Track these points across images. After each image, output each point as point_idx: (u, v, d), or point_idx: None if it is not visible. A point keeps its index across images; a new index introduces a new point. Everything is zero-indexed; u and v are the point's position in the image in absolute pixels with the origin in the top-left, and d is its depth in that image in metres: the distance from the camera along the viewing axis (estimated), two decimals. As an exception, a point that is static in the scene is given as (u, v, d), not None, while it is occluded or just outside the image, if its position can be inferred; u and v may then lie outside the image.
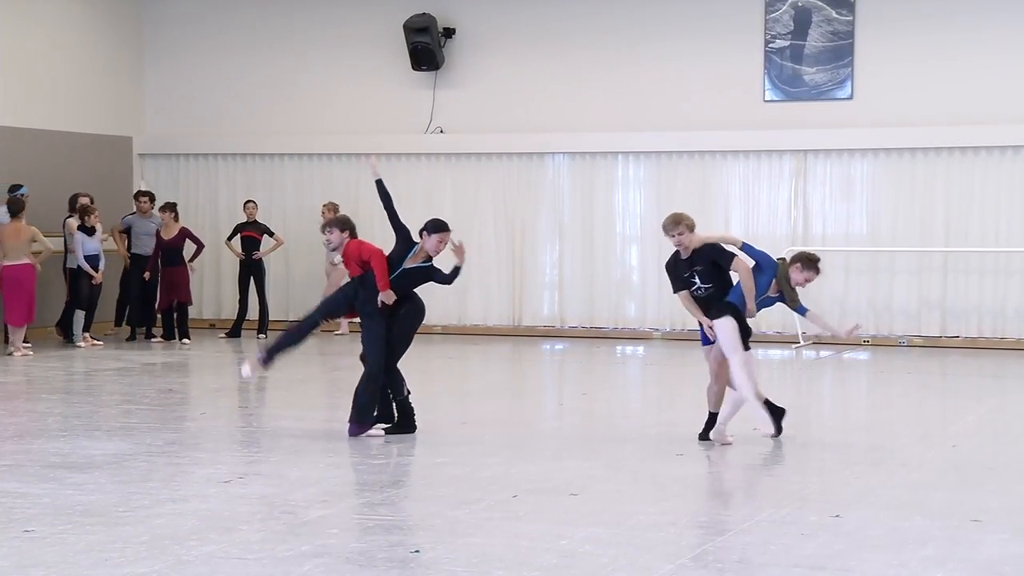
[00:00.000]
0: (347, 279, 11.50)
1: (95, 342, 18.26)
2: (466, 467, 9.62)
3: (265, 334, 19.76)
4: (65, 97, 20.15)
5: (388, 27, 20.47)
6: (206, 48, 21.41)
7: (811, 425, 10.92)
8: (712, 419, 10.72)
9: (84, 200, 18.36)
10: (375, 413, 10.90)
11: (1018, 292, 18.56)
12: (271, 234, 19.92)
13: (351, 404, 10.89)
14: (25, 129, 19.27)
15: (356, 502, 8.57)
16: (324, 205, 19.25)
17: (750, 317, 10.52)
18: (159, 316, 19.24)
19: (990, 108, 18.40)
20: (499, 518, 7.98)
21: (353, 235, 11.25)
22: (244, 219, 19.94)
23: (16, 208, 17.24)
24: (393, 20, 20.35)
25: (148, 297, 19.12)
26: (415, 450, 10.53)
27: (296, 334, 11.16)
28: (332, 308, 11.43)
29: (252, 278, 19.94)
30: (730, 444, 10.48)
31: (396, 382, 11.00)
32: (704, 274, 10.50)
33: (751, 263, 10.60)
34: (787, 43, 19.19)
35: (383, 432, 10.87)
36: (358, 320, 11.31)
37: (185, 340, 18.80)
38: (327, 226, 11.38)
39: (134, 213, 19.35)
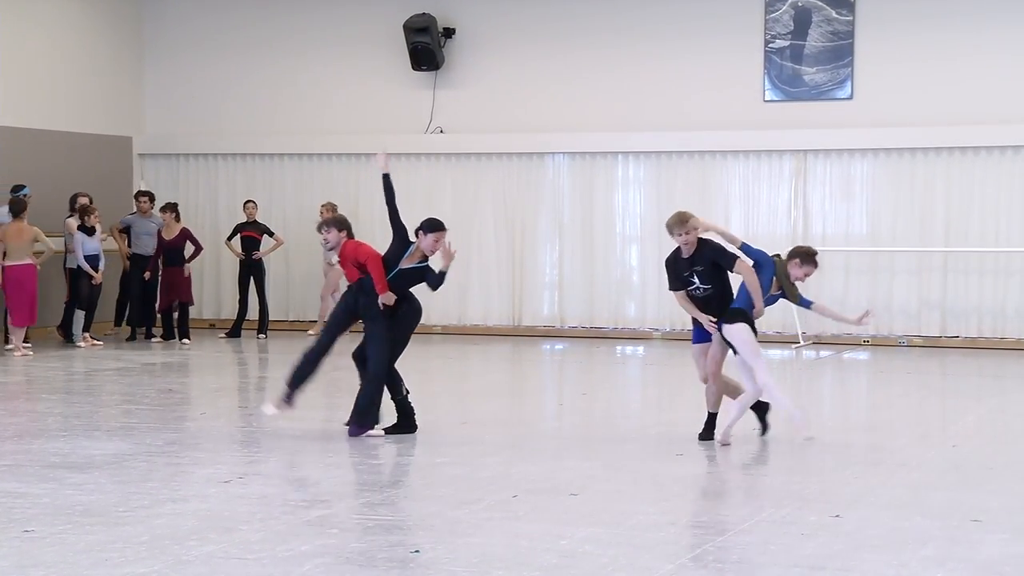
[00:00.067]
0: (344, 279, 11.47)
1: (95, 342, 18.26)
2: (466, 467, 9.63)
3: (265, 334, 19.77)
4: (65, 97, 20.15)
5: (388, 27, 20.47)
6: (206, 48, 21.41)
7: (811, 425, 10.91)
8: (712, 419, 10.73)
9: (84, 200, 18.37)
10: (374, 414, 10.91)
11: (1018, 292, 18.56)
12: (271, 234, 19.92)
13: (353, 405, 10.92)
14: (25, 129, 19.26)
15: (356, 502, 8.56)
16: (323, 205, 19.25)
17: (758, 317, 10.52)
18: (159, 316, 19.24)
19: (990, 108, 18.40)
20: (499, 518, 7.98)
21: (350, 235, 11.25)
22: (244, 219, 19.94)
23: (18, 209, 17.24)
24: (393, 20, 20.36)
25: (148, 297, 19.12)
26: (415, 450, 10.53)
27: (309, 363, 11.02)
28: (337, 326, 11.17)
29: (252, 278, 19.94)
30: (729, 444, 10.48)
31: (394, 382, 11.00)
32: (704, 274, 10.50)
33: (750, 263, 10.60)
34: (787, 43, 19.19)
35: (383, 432, 10.87)
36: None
37: (185, 340, 18.80)
38: (324, 225, 11.37)
39: (134, 213, 19.35)
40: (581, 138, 19.92)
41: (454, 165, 20.52)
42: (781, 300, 10.87)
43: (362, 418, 10.81)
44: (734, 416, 10.53)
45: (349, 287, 11.16)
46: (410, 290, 11.02)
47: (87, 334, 18.26)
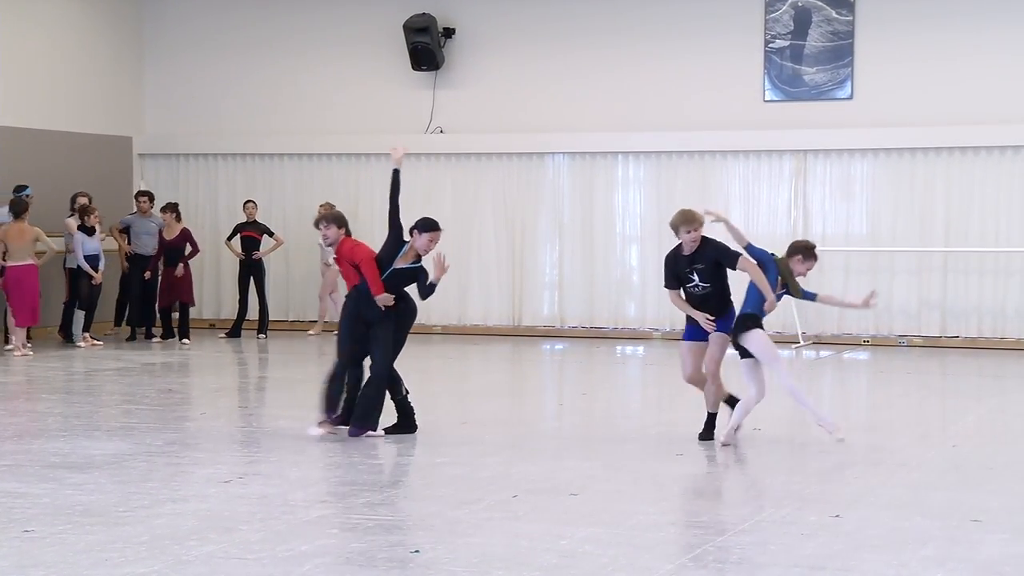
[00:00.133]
0: (341, 279, 11.42)
1: (95, 342, 18.25)
2: (466, 467, 9.63)
3: (265, 334, 19.77)
4: (65, 97, 20.15)
5: (388, 27, 20.47)
6: (206, 48, 21.41)
7: (811, 425, 10.92)
8: (712, 419, 10.74)
9: (83, 200, 18.37)
10: (373, 413, 10.90)
11: (1018, 292, 18.56)
12: (271, 234, 19.91)
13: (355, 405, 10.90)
14: (25, 129, 19.27)
15: (356, 502, 8.56)
16: (321, 206, 19.19)
17: (770, 311, 10.50)
18: (159, 315, 19.24)
19: (990, 108, 18.40)
20: (499, 518, 7.98)
21: (347, 233, 11.21)
22: (244, 219, 19.93)
23: (19, 209, 17.24)
24: (393, 20, 20.36)
25: (148, 297, 19.13)
26: (415, 450, 10.53)
27: (334, 383, 10.89)
28: (347, 339, 10.96)
29: (252, 278, 19.94)
30: (729, 445, 10.48)
31: (394, 382, 10.98)
32: (704, 273, 10.50)
33: (754, 261, 10.59)
34: (787, 43, 19.19)
35: (383, 433, 10.87)
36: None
37: (185, 340, 18.79)
38: (322, 221, 11.24)
39: (134, 213, 19.35)
40: (581, 138, 19.92)
41: (454, 165, 20.52)
42: (782, 298, 10.89)
43: (363, 419, 10.80)
44: (739, 417, 10.53)
45: (348, 295, 11.10)
46: (404, 290, 10.99)
47: (87, 334, 18.26)
